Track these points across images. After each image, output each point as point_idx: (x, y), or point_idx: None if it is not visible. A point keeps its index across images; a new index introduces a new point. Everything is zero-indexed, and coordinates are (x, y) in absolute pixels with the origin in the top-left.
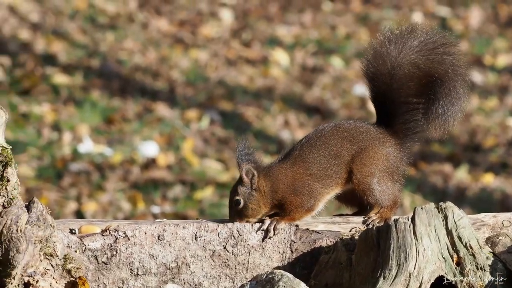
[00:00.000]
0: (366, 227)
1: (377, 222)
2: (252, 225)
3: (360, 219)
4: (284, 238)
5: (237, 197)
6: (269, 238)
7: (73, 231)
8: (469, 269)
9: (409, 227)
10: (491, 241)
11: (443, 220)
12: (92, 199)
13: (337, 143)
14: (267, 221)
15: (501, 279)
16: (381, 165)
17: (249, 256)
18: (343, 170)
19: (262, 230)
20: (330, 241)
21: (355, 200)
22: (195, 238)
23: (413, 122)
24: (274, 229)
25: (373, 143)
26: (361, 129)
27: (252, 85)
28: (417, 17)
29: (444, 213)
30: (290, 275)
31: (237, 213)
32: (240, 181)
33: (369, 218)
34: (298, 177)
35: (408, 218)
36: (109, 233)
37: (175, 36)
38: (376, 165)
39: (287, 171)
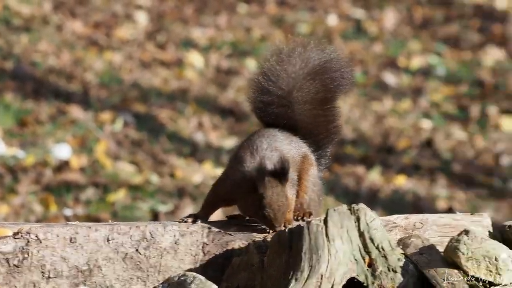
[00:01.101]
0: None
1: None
2: (164, 228)
3: None
4: (197, 240)
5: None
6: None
7: None
8: (381, 270)
9: (322, 229)
10: (403, 243)
11: (355, 222)
12: (3, 201)
13: (292, 149)
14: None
15: (412, 280)
16: (315, 185)
17: (161, 258)
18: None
19: None
20: (243, 243)
21: None
22: (107, 241)
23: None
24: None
25: (310, 157)
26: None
27: (166, 87)
28: (332, 20)
29: (357, 215)
30: (202, 278)
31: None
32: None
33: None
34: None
35: (320, 220)
36: (21, 236)
37: (89, 38)
38: (312, 183)
39: None
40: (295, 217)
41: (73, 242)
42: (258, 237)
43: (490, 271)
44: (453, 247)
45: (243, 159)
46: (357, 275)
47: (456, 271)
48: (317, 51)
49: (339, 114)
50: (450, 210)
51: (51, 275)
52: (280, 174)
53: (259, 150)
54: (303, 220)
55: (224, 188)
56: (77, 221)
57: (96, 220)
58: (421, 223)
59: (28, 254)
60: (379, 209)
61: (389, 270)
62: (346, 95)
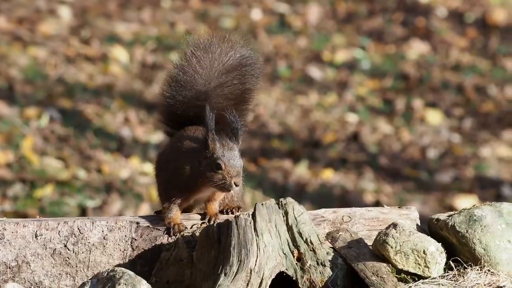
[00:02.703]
0: (207, 224)
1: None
2: (93, 223)
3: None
4: (125, 236)
5: None
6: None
7: None
8: (310, 264)
9: (250, 223)
10: (331, 237)
11: (283, 216)
12: None
13: None
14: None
15: (341, 274)
16: None
17: (89, 254)
18: None
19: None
20: (171, 238)
21: None
22: (36, 237)
23: None
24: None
25: None
26: None
27: (91, 82)
28: (256, 14)
29: (285, 209)
30: (131, 273)
31: None
32: None
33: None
34: None
35: (248, 214)
36: None
37: (13, 33)
38: None
39: None
40: (224, 211)
41: (1, 238)
42: (187, 231)
43: (419, 264)
44: (381, 241)
45: (184, 146)
46: (286, 269)
47: (384, 264)
48: (233, 46)
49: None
50: (377, 204)
51: None
52: (234, 130)
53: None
54: (232, 213)
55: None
56: (4, 217)
57: (24, 216)
58: (349, 217)
59: None
60: (307, 203)
61: (318, 264)
62: (261, 89)
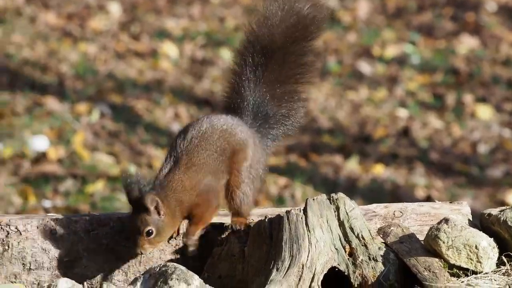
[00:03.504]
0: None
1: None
2: None
3: (252, 211)
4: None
5: (149, 228)
6: (191, 249)
7: None
8: (362, 259)
9: (301, 218)
10: (383, 232)
11: (335, 211)
12: None
13: (220, 139)
14: (184, 237)
15: (393, 269)
16: (252, 173)
17: None
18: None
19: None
20: (223, 234)
21: None
22: (88, 232)
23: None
24: (192, 240)
25: (247, 146)
26: (235, 128)
27: (141, 78)
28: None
29: (336, 204)
30: (183, 268)
31: (148, 242)
32: (144, 211)
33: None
34: (196, 182)
35: (300, 209)
36: (1, 227)
37: (63, 29)
38: (247, 173)
39: (183, 180)
40: (233, 226)
41: (53, 234)
42: (238, 227)
43: (471, 259)
44: (433, 236)
45: None
46: (338, 264)
47: (436, 259)
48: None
49: (306, 99)
50: (428, 199)
51: (32, 267)
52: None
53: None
54: (238, 229)
55: None
56: (56, 213)
57: (75, 211)
58: (401, 212)
59: (8, 246)
60: (358, 198)
61: (370, 259)
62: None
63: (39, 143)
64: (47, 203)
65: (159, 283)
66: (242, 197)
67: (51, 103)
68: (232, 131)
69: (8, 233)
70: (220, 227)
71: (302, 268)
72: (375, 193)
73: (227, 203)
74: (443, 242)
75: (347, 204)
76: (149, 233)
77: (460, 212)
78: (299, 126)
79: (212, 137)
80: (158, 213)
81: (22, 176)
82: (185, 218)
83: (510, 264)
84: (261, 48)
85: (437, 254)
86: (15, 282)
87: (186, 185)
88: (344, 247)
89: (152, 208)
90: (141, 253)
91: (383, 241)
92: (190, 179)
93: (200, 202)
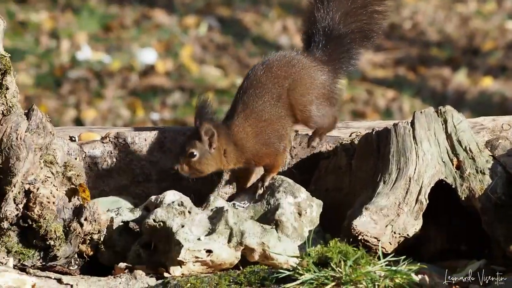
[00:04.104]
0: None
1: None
2: None
3: (360, 123)
4: None
5: (194, 150)
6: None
7: (73, 139)
8: (469, 172)
9: (409, 131)
10: (490, 145)
11: (442, 124)
12: (91, 106)
13: (275, 84)
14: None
15: (500, 182)
16: (317, 93)
17: None
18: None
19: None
20: (330, 146)
21: None
22: None
23: (347, 51)
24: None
25: (307, 72)
26: (292, 62)
27: None
28: None
29: (444, 117)
30: (290, 180)
31: (187, 163)
32: (197, 137)
33: (312, 140)
34: (258, 129)
35: (407, 122)
36: (109, 140)
37: None
38: (313, 93)
39: (244, 128)
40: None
41: (161, 147)
42: (345, 139)
43: None
44: None
45: None
46: (446, 177)
47: None
48: None
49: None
50: None
51: (140, 179)
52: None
53: None
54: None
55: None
56: (164, 125)
57: (183, 123)
58: (509, 125)
59: (116, 158)
60: (466, 111)
61: (477, 172)
62: None
63: (147, 56)
64: (155, 116)
65: (266, 195)
66: (316, 114)
67: (160, 16)
68: (287, 73)
69: (116, 145)
70: (328, 139)
71: (409, 181)
72: (483, 106)
73: (305, 126)
74: None
75: (455, 117)
76: (191, 155)
77: None
78: (378, 39)
79: (267, 85)
80: (210, 145)
81: (130, 89)
82: (241, 165)
83: None
84: None
85: None
86: (122, 194)
87: (249, 133)
88: (451, 160)
89: (205, 137)
90: (177, 170)
91: (491, 154)
92: (252, 127)
93: (267, 150)
